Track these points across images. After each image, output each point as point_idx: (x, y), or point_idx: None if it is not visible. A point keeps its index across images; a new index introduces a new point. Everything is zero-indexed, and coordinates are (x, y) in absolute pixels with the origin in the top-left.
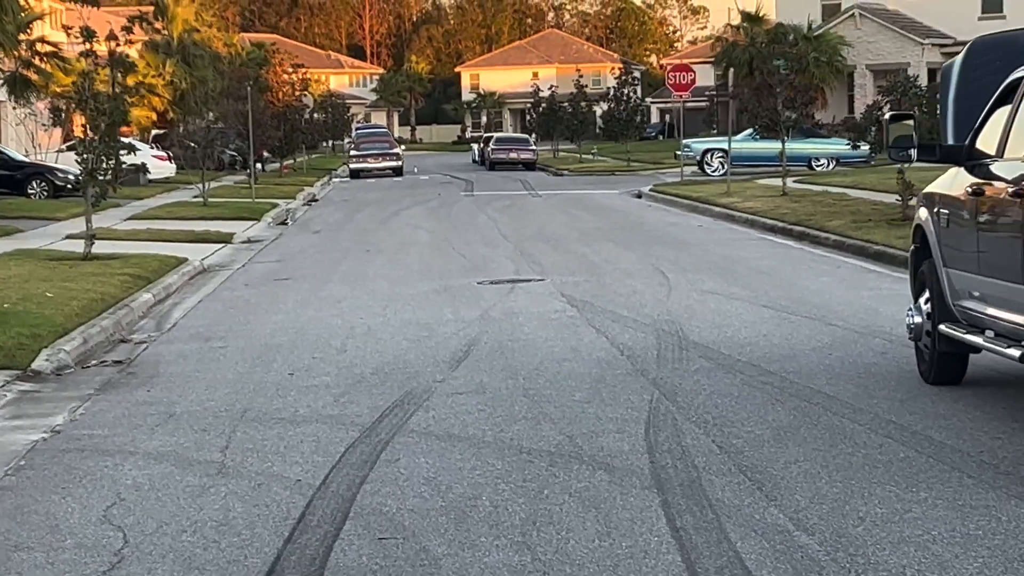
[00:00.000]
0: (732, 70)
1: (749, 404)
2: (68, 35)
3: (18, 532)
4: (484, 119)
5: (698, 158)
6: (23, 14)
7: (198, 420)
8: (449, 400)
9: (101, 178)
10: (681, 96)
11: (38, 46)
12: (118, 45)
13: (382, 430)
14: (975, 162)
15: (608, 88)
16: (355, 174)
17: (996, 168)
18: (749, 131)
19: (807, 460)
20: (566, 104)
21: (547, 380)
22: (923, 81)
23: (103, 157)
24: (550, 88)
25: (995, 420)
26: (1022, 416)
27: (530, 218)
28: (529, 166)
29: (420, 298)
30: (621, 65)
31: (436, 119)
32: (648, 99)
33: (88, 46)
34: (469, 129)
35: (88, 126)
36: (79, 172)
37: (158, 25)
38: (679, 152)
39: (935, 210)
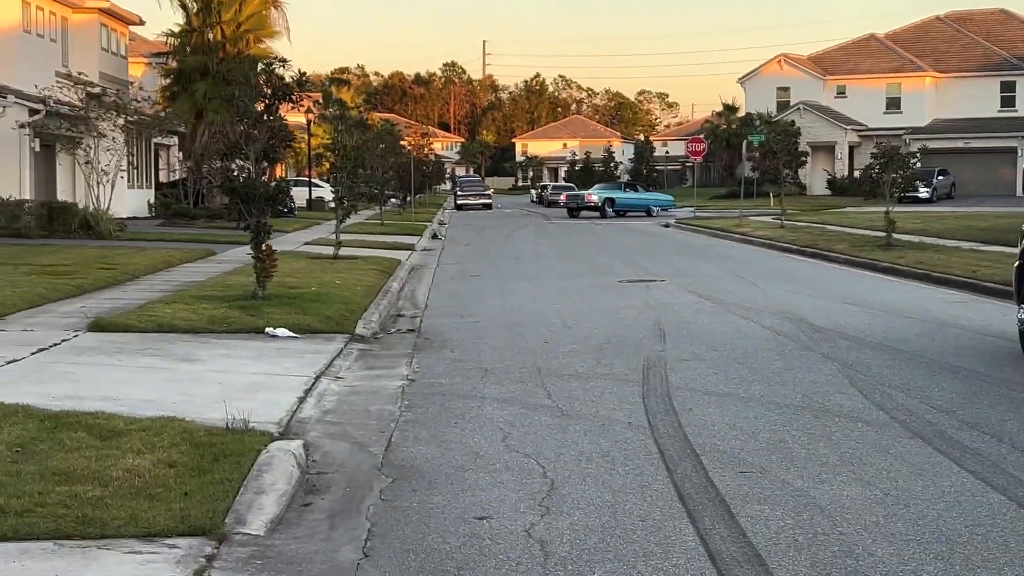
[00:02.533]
0: (746, 142)
1: (915, 374)
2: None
3: (450, 456)
4: (531, 173)
5: (600, 203)
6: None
7: (509, 374)
8: (682, 365)
9: (348, 203)
10: (697, 159)
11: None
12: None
13: (654, 386)
14: None
15: (622, 155)
16: (460, 207)
17: None
18: (619, 184)
19: (1016, 419)
20: (599, 164)
21: (742, 352)
22: (844, 154)
23: (350, 187)
24: (586, 153)
25: None
26: None
27: (607, 239)
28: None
29: (585, 291)
30: (635, 142)
31: (497, 172)
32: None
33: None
34: (520, 180)
35: (339, 167)
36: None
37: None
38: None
39: None
